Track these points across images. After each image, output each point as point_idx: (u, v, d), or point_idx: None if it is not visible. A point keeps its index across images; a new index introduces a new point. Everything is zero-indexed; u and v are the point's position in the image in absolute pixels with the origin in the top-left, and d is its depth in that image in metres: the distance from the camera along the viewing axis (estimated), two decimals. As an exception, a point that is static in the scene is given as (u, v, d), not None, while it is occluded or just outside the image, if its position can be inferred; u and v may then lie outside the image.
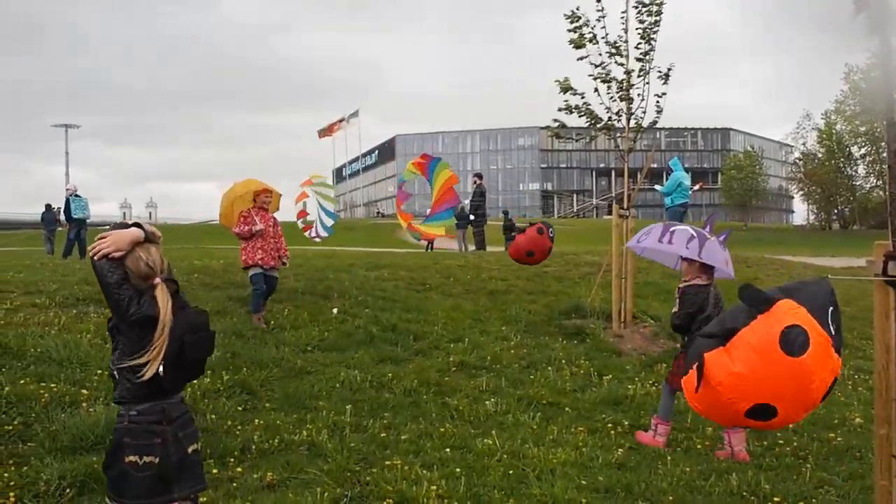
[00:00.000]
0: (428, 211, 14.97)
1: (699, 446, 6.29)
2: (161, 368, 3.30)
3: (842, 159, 67.10)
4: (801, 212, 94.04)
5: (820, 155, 68.46)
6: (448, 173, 14.21)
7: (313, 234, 16.07)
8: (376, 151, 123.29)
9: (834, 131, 66.28)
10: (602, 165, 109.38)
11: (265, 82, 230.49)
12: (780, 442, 6.36)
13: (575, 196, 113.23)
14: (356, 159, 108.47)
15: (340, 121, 70.03)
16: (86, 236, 19.13)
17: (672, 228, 6.45)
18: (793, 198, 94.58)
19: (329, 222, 12.95)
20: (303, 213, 16.23)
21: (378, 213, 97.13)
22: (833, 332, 3.37)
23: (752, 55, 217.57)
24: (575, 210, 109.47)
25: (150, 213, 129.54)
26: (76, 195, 19.33)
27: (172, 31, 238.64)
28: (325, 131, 71.57)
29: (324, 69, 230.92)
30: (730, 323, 3.40)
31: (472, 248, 22.94)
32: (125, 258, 3.30)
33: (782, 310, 3.30)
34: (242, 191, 9.82)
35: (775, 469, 5.70)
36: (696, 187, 17.85)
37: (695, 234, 6.30)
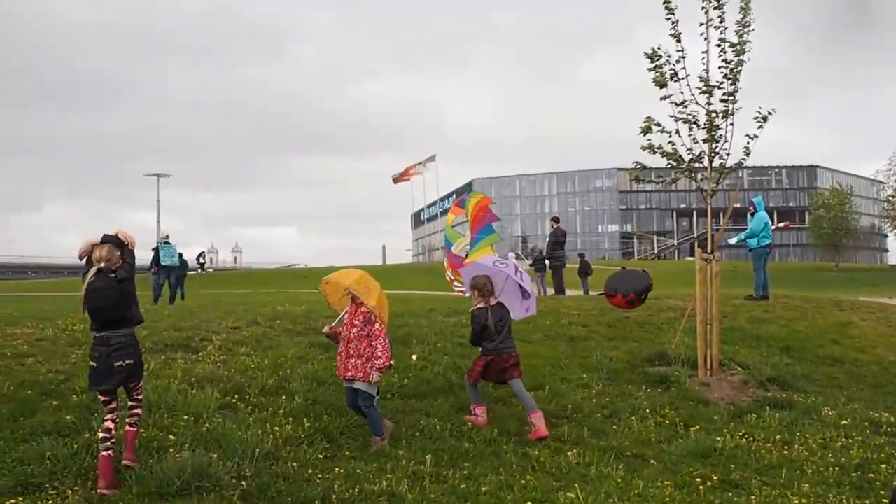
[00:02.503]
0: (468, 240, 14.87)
1: None
2: (86, 314, 5.85)
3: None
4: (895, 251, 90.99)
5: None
6: (479, 196, 14.15)
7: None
8: (453, 195, 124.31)
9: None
10: (683, 206, 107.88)
11: (340, 129, 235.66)
12: None
13: (655, 238, 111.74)
14: (434, 203, 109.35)
15: (415, 165, 70.72)
16: (174, 282, 19.66)
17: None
18: (886, 236, 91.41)
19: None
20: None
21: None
22: None
23: (831, 90, 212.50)
24: (655, 252, 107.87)
25: (236, 258, 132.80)
26: (166, 242, 19.88)
27: (242, 80, 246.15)
28: (400, 176, 72.33)
29: (398, 115, 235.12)
30: None
31: (550, 291, 22.76)
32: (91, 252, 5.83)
33: None
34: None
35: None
36: (782, 225, 17.43)
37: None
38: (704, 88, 10.03)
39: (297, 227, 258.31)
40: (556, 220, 22.65)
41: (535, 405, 7.95)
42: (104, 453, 5.60)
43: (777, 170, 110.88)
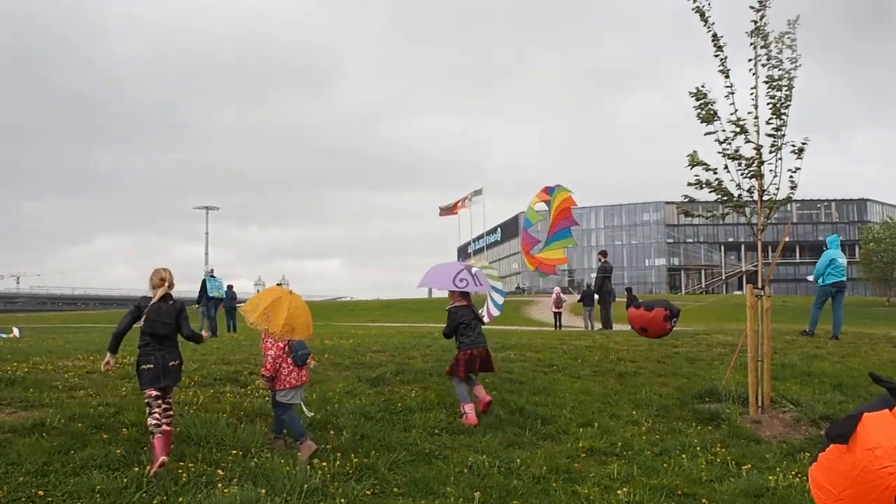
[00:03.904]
0: (545, 235, 14.85)
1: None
2: None
3: None
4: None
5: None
6: (565, 194, 14.09)
7: (483, 314, 15.87)
8: (499, 229, 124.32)
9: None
10: (731, 239, 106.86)
11: (384, 164, 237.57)
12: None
13: (703, 271, 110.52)
14: (480, 237, 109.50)
15: (465, 199, 70.88)
16: (215, 315, 20.03)
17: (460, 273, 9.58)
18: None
19: (500, 300, 12.94)
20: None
21: (519, 287, 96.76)
22: None
23: (882, 123, 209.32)
24: (703, 286, 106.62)
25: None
26: (212, 276, 20.27)
27: (288, 115, 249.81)
28: (449, 210, 72.55)
29: (442, 152, 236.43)
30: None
31: (598, 326, 22.61)
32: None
33: None
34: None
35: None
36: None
37: (464, 270, 9.65)
38: (740, 129, 9.96)
39: (343, 259, 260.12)
40: (603, 253, 22.59)
41: (483, 392, 9.39)
42: (158, 435, 6.64)
43: (826, 203, 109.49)
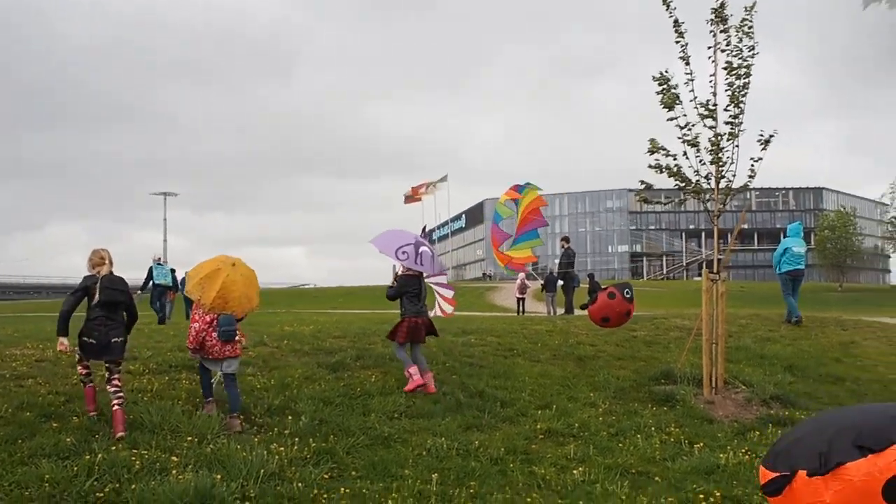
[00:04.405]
0: (513, 234, 14.92)
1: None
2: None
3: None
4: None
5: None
6: (535, 195, 14.14)
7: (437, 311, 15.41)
8: (464, 216, 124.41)
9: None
10: (692, 227, 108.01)
11: (348, 151, 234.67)
12: None
13: (664, 258, 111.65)
14: (445, 224, 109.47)
15: (427, 185, 70.79)
16: (166, 302, 20.05)
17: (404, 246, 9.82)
18: (889, 257, 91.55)
19: (449, 294, 12.77)
20: None
21: (484, 274, 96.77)
22: None
23: (839, 114, 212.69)
24: (665, 272, 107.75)
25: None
26: (159, 263, 20.29)
27: (250, 101, 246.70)
28: (410, 197, 72.48)
29: (407, 139, 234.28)
30: (836, 457, 3.13)
31: (560, 311, 22.77)
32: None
33: (894, 455, 3.05)
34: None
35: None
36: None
37: (411, 245, 9.83)
38: (707, 112, 10.09)
39: (306, 247, 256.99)
40: (566, 239, 22.70)
41: (426, 366, 9.72)
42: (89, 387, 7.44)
43: (784, 191, 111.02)
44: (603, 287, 12.29)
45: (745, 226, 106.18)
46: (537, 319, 18.14)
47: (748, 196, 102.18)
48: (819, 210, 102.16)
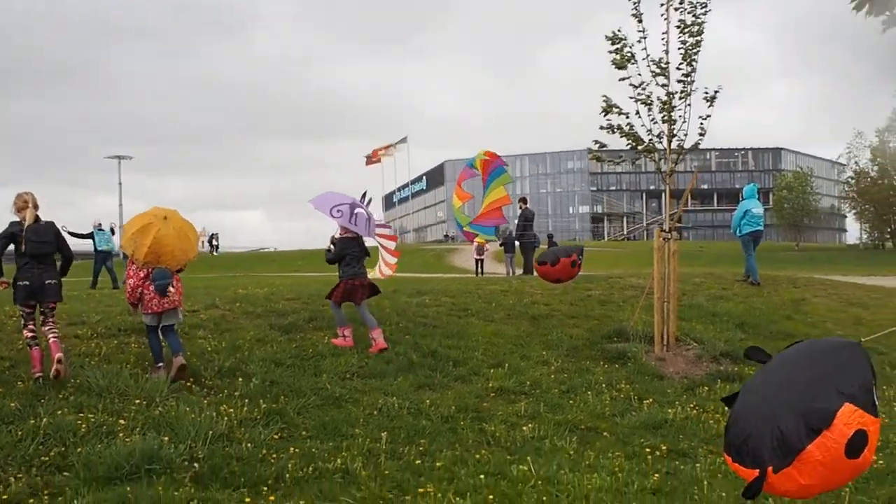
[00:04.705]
0: (473, 217, 14.86)
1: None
2: None
3: None
4: (853, 231, 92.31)
5: (873, 173, 66.81)
6: (503, 192, 14.09)
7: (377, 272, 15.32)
8: (425, 178, 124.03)
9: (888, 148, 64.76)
10: (653, 187, 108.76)
11: (305, 114, 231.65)
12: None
13: (625, 219, 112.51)
14: (405, 185, 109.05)
15: (387, 147, 70.50)
16: (112, 266, 19.84)
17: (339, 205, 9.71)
18: (845, 217, 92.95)
19: (391, 259, 12.70)
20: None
21: (446, 235, 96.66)
22: (876, 405, 3.29)
23: (799, 75, 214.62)
24: (625, 233, 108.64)
25: (203, 242, 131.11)
26: (100, 229, 20.10)
27: (206, 64, 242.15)
28: (370, 158, 72.12)
29: (364, 101, 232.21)
30: (796, 444, 3.23)
31: (519, 272, 22.86)
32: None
33: (843, 420, 3.19)
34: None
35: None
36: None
37: (346, 205, 9.70)
38: (659, 70, 10.10)
39: (265, 210, 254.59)
40: (524, 200, 22.75)
41: (375, 324, 9.75)
42: (35, 347, 7.31)
43: (743, 152, 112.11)
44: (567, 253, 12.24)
45: (705, 186, 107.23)
46: (493, 280, 18.19)
47: (707, 156, 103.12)
48: (777, 170, 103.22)
